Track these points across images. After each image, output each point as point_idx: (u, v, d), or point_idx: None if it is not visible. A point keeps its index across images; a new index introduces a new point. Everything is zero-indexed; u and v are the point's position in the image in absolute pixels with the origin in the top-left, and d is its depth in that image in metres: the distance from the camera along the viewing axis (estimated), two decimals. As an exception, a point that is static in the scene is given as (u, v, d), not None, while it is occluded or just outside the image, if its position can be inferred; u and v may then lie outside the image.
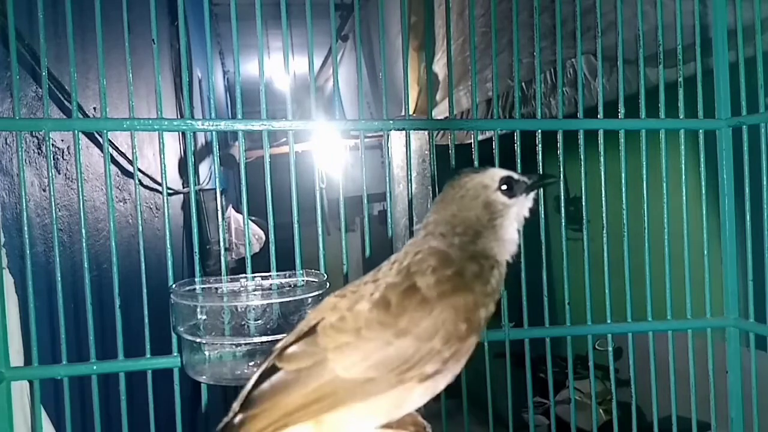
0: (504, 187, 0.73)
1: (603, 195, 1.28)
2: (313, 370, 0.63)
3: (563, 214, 1.31)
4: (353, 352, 0.63)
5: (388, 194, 1.27)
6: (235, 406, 0.65)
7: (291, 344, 0.66)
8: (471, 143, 1.25)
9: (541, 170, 1.24)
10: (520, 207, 0.74)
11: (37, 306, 1.06)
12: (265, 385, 0.64)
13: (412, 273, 0.66)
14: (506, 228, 0.72)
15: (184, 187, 3.23)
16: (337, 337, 0.64)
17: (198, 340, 0.97)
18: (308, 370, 0.63)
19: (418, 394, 0.65)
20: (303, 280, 1.08)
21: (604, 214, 1.28)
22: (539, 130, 1.26)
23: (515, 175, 0.74)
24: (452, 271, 0.66)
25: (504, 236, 0.72)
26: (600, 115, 1.30)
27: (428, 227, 0.72)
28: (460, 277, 0.66)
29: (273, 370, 0.65)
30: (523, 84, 2.44)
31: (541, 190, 1.25)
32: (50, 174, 1.09)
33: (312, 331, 0.66)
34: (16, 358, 1.07)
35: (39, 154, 1.29)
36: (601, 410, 2.65)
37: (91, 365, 1.09)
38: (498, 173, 0.74)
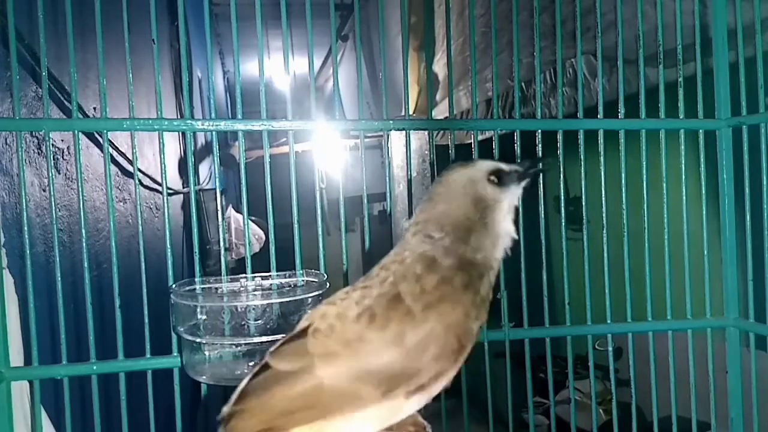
0: (493, 178, 0.70)
1: (603, 195, 1.28)
2: (299, 375, 0.62)
3: (563, 214, 1.31)
4: (340, 363, 0.62)
5: (388, 194, 1.27)
6: (230, 400, 0.65)
7: (284, 344, 0.66)
8: (471, 143, 1.25)
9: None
10: (512, 197, 0.71)
11: (37, 306, 1.06)
12: (255, 381, 0.65)
13: (396, 280, 0.64)
14: (499, 222, 0.70)
15: (184, 187, 3.24)
16: (325, 343, 0.63)
17: (198, 340, 0.97)
18: (294, 373, 0.63)
19: (409, 406, 0.64)
20: (303, 280, 1.08)
21: (604, 214, 1.28)
22: (539, 130, 1.26)
23: (505, 166, 0.71)
24: (437, 279, 0.64)
25: (497, 232, 0.69)
26: (600, 115, 1.30)
27: (416, 227, 0.69)
28: (448, 285, 0.64)
29: (265, 367, 0.65)
30: (523, 84, 2.44)
31: (541, 190, 1.27)
32: (50, 174, 1.09)
33: (303, 334, 0.65)
34: (16, 358, 1.07)
35: (39, 154, 1.29)
36: (601, 410, 2.65)
37: (91, 365, 1.09)
38: (485, 165, 0.71)
